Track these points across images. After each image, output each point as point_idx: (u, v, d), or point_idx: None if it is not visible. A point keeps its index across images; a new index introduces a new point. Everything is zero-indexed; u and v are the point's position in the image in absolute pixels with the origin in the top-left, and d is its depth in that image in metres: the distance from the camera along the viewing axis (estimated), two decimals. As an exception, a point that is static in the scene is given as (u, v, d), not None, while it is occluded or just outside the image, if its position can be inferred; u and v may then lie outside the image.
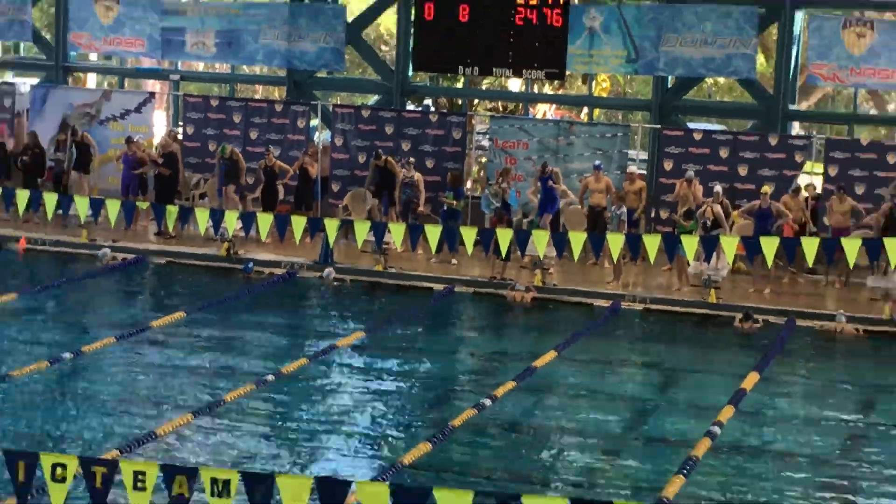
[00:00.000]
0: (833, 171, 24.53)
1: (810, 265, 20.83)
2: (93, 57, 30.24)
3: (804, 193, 23.87)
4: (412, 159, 25.09)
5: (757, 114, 26.85)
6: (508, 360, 18.35)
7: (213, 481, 8.37)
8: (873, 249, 18.16)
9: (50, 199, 20.83)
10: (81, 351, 17.14)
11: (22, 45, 31.05)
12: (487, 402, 15.76)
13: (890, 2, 29.01)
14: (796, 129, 26.87)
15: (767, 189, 23.05)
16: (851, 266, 20.13)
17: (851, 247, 17.46)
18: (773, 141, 25.15)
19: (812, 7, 26.67)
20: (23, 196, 21.16)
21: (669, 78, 26.67)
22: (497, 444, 15.00)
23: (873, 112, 32.60)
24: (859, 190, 23.90)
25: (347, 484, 8.44)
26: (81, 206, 20.74)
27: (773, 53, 27.34)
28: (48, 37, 30.02)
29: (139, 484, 8.41)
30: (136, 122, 27.75)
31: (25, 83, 29.74)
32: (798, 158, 25.01)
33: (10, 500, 8.73)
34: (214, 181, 25.34)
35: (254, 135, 26.90)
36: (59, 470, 8.50)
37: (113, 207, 20.13)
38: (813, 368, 18.93)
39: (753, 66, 26.05)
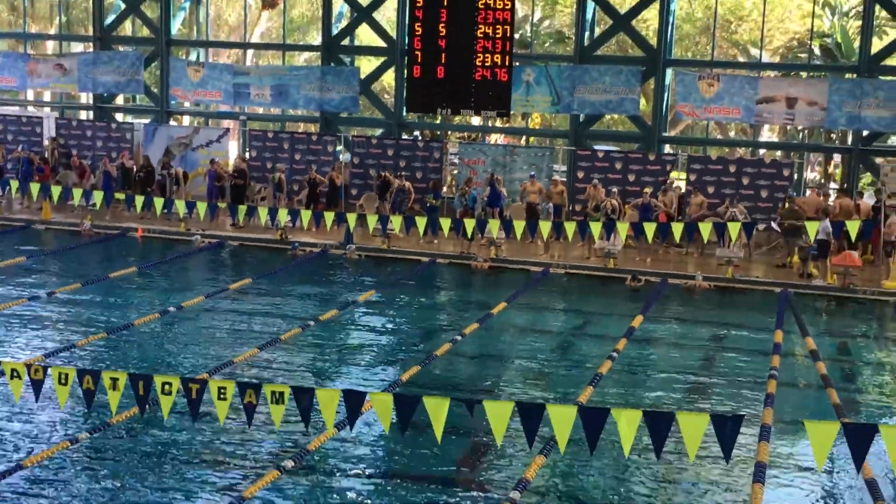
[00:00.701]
0: (692, 177, 25.00)
1: (677, 241, 21.20)
2: (186, 104, 30.17)
3: (672, 193, 24.16)
4: (403, 173, 25.35)
5: (640, 139, 27.19)
6: (473, 309, 18.48)
7: (273, 393, 8.61)
8: (719, 230, 18.50)
9: (158, 202, 21.13)
10: (182, 306, 17.28)
11: (137, 97, 30.97)
12: (459, 337, 15.99)
13: (729, 63, 29.28)
14: (667, 149, 27.09)
15: (647, 190, 23.46)
16: (706, 242, 20.55)
17: (704, 228, 17.90)
18: (651, 157, 25.58)
19: (677, 66, 26.85)
20: (139, 200, 21.42)
21: (581, 115, 26.80)
22: (466, 366, 15.22)
23: (719, 137, 32.81)
24: (710, 190, 24.19)
25: (363, 395, 8.71)
26: (180, 206, 20.99)
27: (651, 98, 27.50)
28: (155, 90, 30.00)
29: (221, 396, 8.66)
30: (216, 148, 27.91)
31: (140, 123, 29.76)
32: (668, 169, 25.34)
33: (134, 408, 9.02)
34: (270, 190, 25.49)
35: (297, 157, 27.04)
36: (166, 386, 8.71)
37: (202, 207, 20.37)
38: (679, 311, 19.16)
39: (638, 107, 26.38)
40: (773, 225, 22.24)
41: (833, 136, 28.67)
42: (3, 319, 16.07)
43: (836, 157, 29.37)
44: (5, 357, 13.43)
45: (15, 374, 9.01)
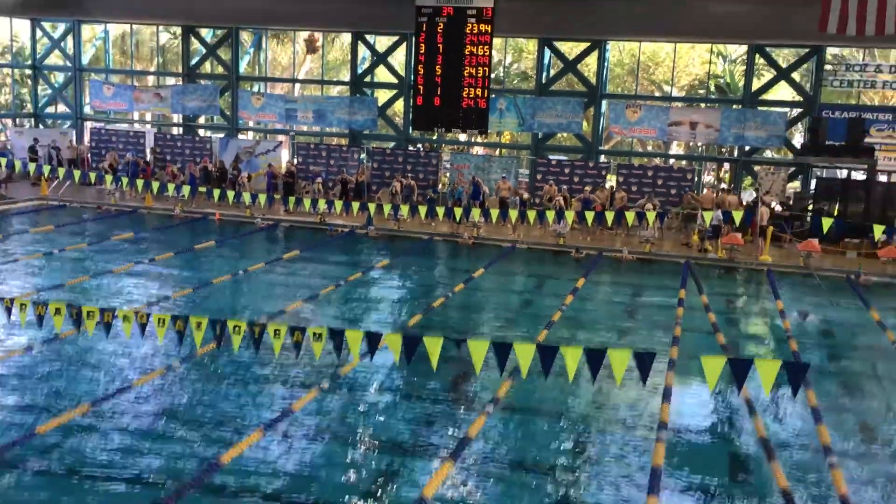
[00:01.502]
0: (620, 179, 24.81)
1: (609, 225, 21.13)
2: (250, 123, 30.03)
3: (605, 190, 24.14)
4: (409, 174, 25.26)
5: (583, 151, 26.98)
6: (460, 274, 18.38)
7: (314, 333, 8.63)
8: (640, 217, 18.45)
9: (230, 194, 21.02)
10: (247, 269, 17.23)
11: (214, 118, 30.84)
12: (450, 293, 15.98)
13: (648, 96, 29.13)
14: (603, 158, 27.01)
15: (588, 188, 23.34)
16: (630, 225, 20.47)
17: (629, 216, 17.79)
18: (591, 165, 25.46)
19: (610, 98, 26.80)
20: (216, 192, 21.27)
21: (539, 133, 26.72)
22: (455, 314, 15.13)
23: (640, 150, 32.72)
24: (634, 188, 24.18)
25: (380, 335, 8.74)
26: (246, 197, 20.86)
27: (591, 121, 27.40)
28: (228, 113, 29.82)
29: (276, 335, 8.67)
30: (272, 156, 27.69)
31: (217, 136, 29.61)
32: (603, 173, 25.27)
33: (212, 343, 9.28)
34: (312, 187, 25.35)
35: (332, 162, 26.86)
36: (236, 328, 8.69)
37: (262, 198, 20.23)
38: (610, 276, 19.15)
39: (581, 127, 26.19)
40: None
41: (724, 150, 28.68)
42: (117, 278, 16.08)
43: (726, 166, 29.38)
44: (119, 306, 13.44)
45: (126, 318, 9.03)
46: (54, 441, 8.80)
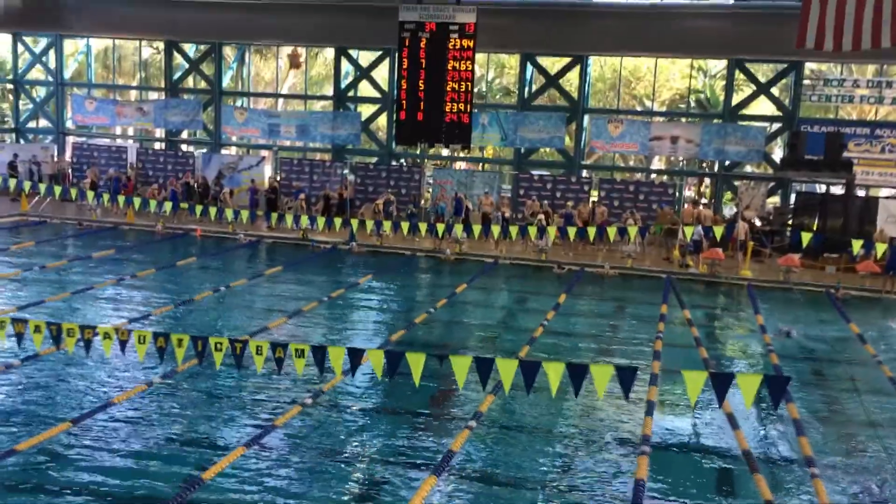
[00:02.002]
0: (602, 194, 24.97)
1: (591, 240, 21.24)
2: (233, 138, 29.99)
3: (588, 205, 24.29)
4: (391, 190, 25.33)
5: (565, 166, 27.18)
6: (443, 289, 18.39)
7: (296, 350, 8.61)
8: (622, 232, 18.58)
9: (212, 210, 20.93)
10: (230, 285, 17.19)
11: (197, 132, 30.76)
12: (432, 309, 16.02)
13: (630, 111, 29.35)
14: (585, 173, 27.15)
15: (570, 203, 23.46)
16: (612, 240, 20.58)
17: (611, 231, 17.92)
18: (573, 179, 25.57)
19: (592, 113, 26.98)
20: (198, 208, 21.17)
21: (522, 148, 26.88)
22: (437, 330, 15.09)
23: (622, 164, 32.96)
24: (616, 203, 24.38)
25: (362, 351, 8.73)
26: (228, 213, 20.77)
27: (573, 136, 27.55)
28: (210, 127, 29.80)
29: (258, 352, 8.61)
30: (255, 171, 27.71)
31: (199, 152, 29.55)
32: (586, 188, 25.42)
33: (194, 360, 9.21)
34: (294, 204, 25.32)
35: (315, 177, 26.95)
36: (218, 345, 8.65)
37: (244, 214, 20.20)
38: (592, 291, 19.25)
39: (563, 142, 26.47)
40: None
41: (704, 164, 28.91)
42: (97, 294, 15.97)
43: (707, 181, 29.61)
44: (99, 323, 13.35)
45: (106, 335, 8.97)
46: (35, 458, 8.70)
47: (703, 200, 26.84)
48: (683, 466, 9.59)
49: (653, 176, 30.09)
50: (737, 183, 25.84)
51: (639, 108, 35.27)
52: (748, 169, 28.35)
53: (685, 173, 29.13)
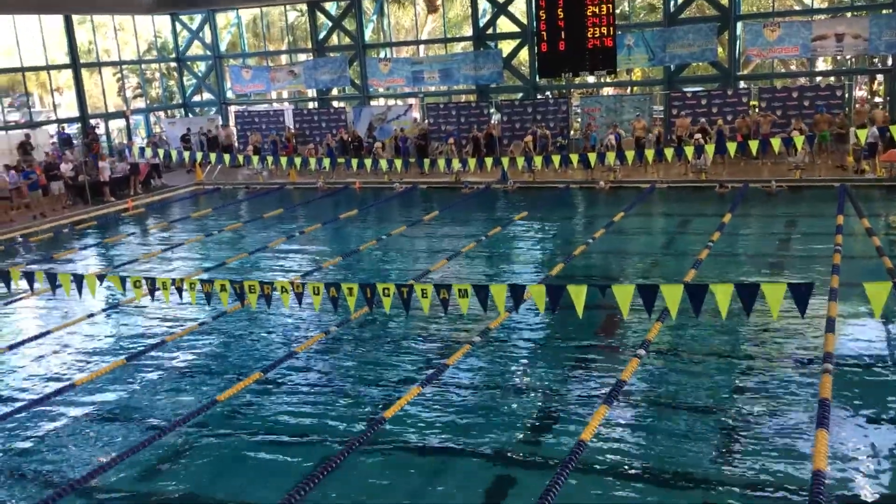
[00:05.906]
0: (763, 105, 23.59)
1: (754, 154, 20.12)
2: (380, 90, 30.50)
3: (749, 118, 23.02)
4: (540, 124, 24.96)
5: (720, 79, 25.71)
6: (600, 219, 17.80)
7: (459, 290, 8.68)
8: (787, 143, 17.46)
9: (367, 162, 21.40)
10: (390, 234, 17.63)
11: (346, 88, 31.49)
12: (591, 240, 15.59)
13: (787, 11, 27.28)
14: (742, 84, 25.65)
15: (720, 122, 22.33)
16: (777, 153, 19.35)
17: (775, 143, 16.84)
18: (729, 92, 24.22)
19: (745, 19, 25.31)
20: (354, 162, 21.66)
21: (671, 66, 25.68)
22: (597, 260, 14.82)
23: (783, 70, 30.79)
24: (778, 113, 22.93)
25: (524, 287, 8.69)
26: (383, 163, 21.19)
27: (726, 46, 25.96)
28: (358, 82, 30.40)
29: (423, 294, 8.81)
30: (404, 119, 28.11)
31: (349, 107, 30.29)
32: (744, 100, 24.02)
33: (364, 308, 9.56)
34: (444, 148, 25.51)
35: (462, 120, 27.01)
36: (385, 290, 8.89)
37: (398, 163, 20.59)
38: (760, 207, 18.36)
39: (716, 54, 25.02)
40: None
41: (876, 60, 26.54)
42: (271, 252, 16.88)
43: (879, 77, 27.24)
44: (276, 278, 14.15)
45: (284, 289, 9.48)
46: (233, 408, 9.44)
47: (877, 99, 24.72)
48: (870, 384, 9.07)
49: (818, 79, 27.98)
50: (915, 76, 23.59)
51: (797, 8, 32.72)
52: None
53: (854, 72, 26.87)
